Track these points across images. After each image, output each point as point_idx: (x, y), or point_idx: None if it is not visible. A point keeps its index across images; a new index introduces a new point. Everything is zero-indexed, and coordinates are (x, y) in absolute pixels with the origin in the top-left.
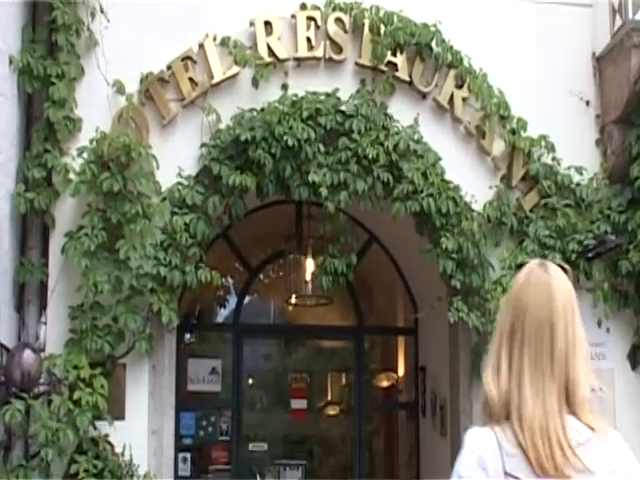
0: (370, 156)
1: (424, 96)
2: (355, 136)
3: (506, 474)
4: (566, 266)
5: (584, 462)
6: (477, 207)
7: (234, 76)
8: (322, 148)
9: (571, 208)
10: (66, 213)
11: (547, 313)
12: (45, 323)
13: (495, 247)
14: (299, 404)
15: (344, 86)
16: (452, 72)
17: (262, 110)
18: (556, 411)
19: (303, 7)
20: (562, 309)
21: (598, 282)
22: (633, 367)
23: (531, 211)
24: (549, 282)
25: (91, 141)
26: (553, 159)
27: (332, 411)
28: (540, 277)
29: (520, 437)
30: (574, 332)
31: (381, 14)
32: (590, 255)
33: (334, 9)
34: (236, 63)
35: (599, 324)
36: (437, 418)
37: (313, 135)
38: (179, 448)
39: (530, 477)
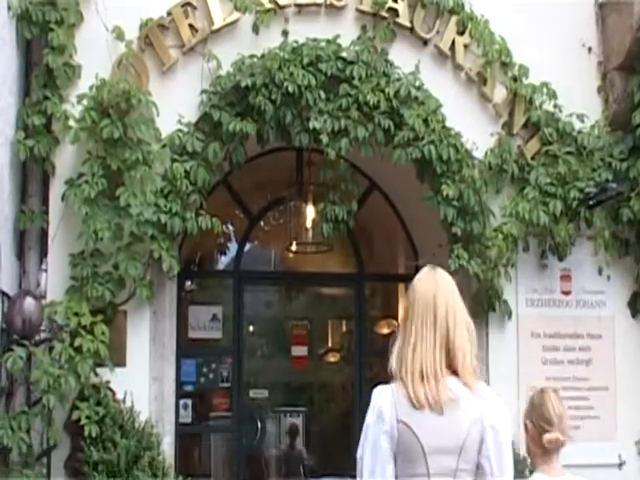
0: (371, 103)
1: (425, 42)
2: (356, 83)
3: (398, 421)
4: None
5: (456, 404)
6: (478, 154)
7: (234, 22)
8: (323, 95)
9: (572, 156)
10: (66, 160)
11: (432, 297)
12: (46, 270)
13: (496, 194)
14: (300, 351)
15: (345, 32)
16: (453, 18)
17: (262, 56)
18: (437, 365)
19: None
20: (443, 294)
21: (599, 230)
22: (633, 315)
23: (532, 158)
24: (434, 276)
25: (91, 88)
26: (555, 106)
27: (332, 358)
28: (428, 274)
29: (409, 388)
30: (454, 311)
31: None
32: (591, 203)
33: None
34: (236, 9)
35: (600, 272)
36: None
37: (314, 82)
38: (180, 395)
39: (412, 416)
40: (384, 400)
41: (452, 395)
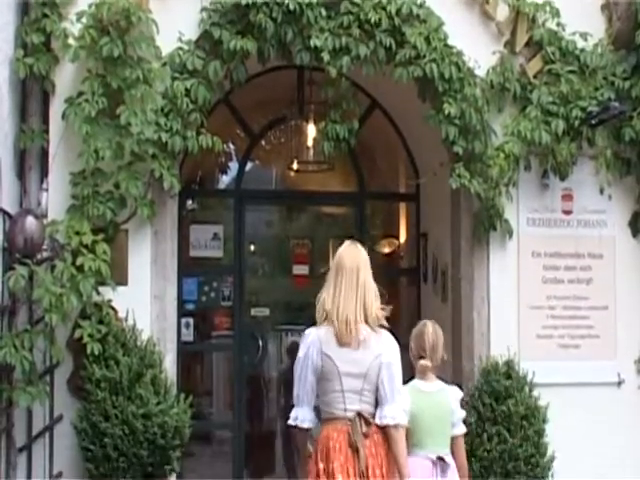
0: (372, 20)
1: None
2: (357, 0)
3: (323, 353)
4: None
5: (365, 343)
6: (480, 73)
7: None
8: (324, 12)
9: (575, 74)
10: (66, 79)
11: (355, 266)
12: (46, 189)
13: (498, 113)
14: (301, 270)
15: None
16: None
17: None
18: (356, 315)
19: None
20: (362, 263)
21: (601, 149)
22: (634, 234)
23: (535, 77)
24: (357, 250)
25: (90, 5)
26: (557, 24)
27: None
28: (351, 247)
29: (334, 328)
30: (366, 278)
31: None
32: (593, 122)
33: None
34: None
35: (601, 191)
36: (438, 284)
37: None
38: (182, 314)
39: (334, 351)
40: (313, 339)
41: (363, 337)
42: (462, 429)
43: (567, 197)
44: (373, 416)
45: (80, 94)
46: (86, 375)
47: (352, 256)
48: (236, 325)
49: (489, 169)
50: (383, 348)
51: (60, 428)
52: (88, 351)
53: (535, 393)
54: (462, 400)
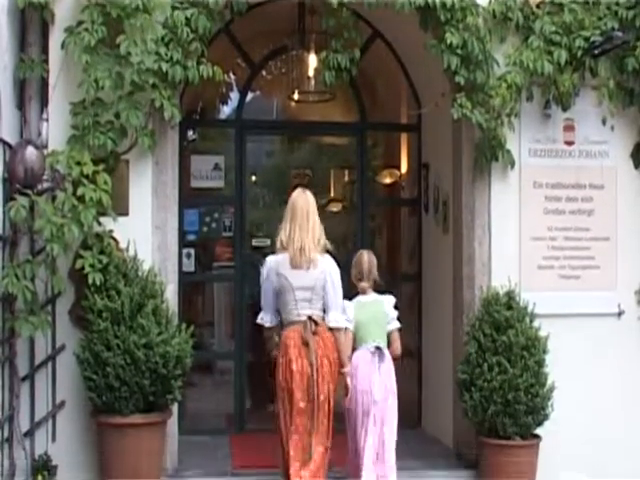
0: None
1: None
2: None
3: (279, 274)
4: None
5: (314, 264)
6: (482, 2)
7: None
8: None
9: (578, 4)
10: (65, 8)
11: (306, 208)
12: (47, 120)
13: (500, 43)
14: None
15: None
16: None
17: None
18: (309, 244)
19: None
20: (312, 207)
21: (603, 79)
22: (636, 166)
23: (537, 7)
24: (306, 194)
25: None
26: None
27: (334, 208)
28: (303, 194)
29: (290, 253)
30: (315, 218)
31: None
32: (596, 52)
33: None
34: None
35: (603, 122)
36: (439, 215)
37: None
38: (183, 244)
39: (287, 271)
40: (271, 264)
41: (312, 260)
42: (394, 325)
43: (569, 128)
44: (323, 319)
45: (79, 23)
46: (88, 305)
47: (303, 201)
48: (237, 256)
49: (491, 99)
50: (327, 267)
51: (62, 358)
52: (89, 281)
53: (536, 323)
54: (395, 305)
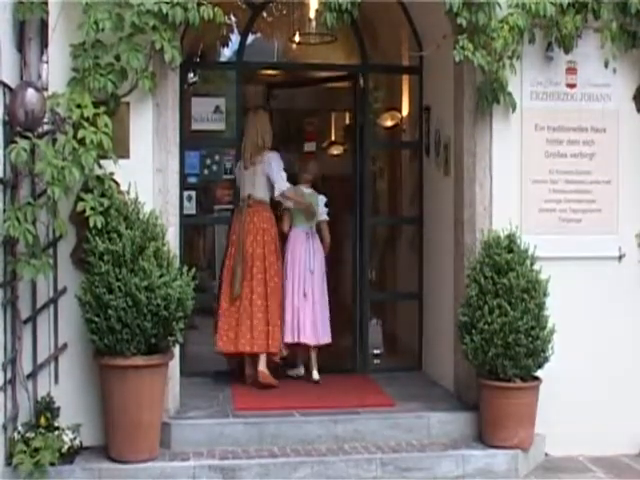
0: None
1: None
2: None
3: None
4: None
5: (260, 161)
6: None
7: None
8: None
9: None
10: None
11: (255, 122)
12: (47, 62)
13: None
14: (310, 147)
15: None
16: None
17: None
18: (260, 146)
19: None
20: (262, 121)
21: (606, 22)
22: (638, 109)
23: None
24: (261, 111)
25: None
26: None
27: (336, 151)
28: (257, 110)
29: (243, 153)
30: (266, 128)
31: None
32: None
33: None
34: None
35: (606, 65)
36: (441, 157)
37: None
38: (184, 187)
39: (242, 169)
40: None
41: (261, 158)
42: (324, 217)
43: (571, 70)
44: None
45: None
46: (89, 248)
47: (259, 118)
48: (238, 198)
49: (493, 41)
50: (268, 157)
51: (64, 300)
52: (90, 224)
53: (536, 266)
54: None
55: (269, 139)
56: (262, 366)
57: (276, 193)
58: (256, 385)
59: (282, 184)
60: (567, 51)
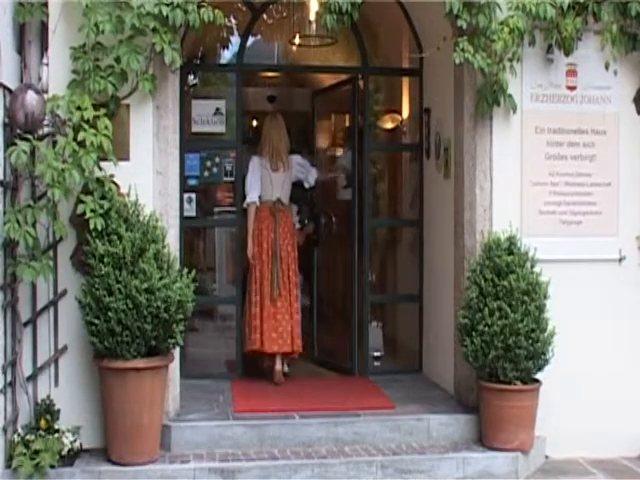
0: None
1: None
2: None
3: (261, 166)
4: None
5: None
6: None
7: None
8: None
9: None
10: None
11: (278, 127)
12: (47, 64)
13: None
14: None
15: None
16: None
17: None
18: (282, 153)
19: None
20: (283, 127)
21: (607, 24)
22: (638, 111)
23: None
24: (278, 117)
25: None
26: None
27: (336, 153)
28: (275, 116)
29: (267, 156)
30: (286, 138)
31: None
32: None
33: None
34: None
35: (606, 67)
36: (441, 160)
37: None
38: (184, 189)
39: (270, 170)
40: (255, 162)
41: (287, 162)
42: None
43: (571, 73)
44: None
45: None
46: (89, 250)
47: (278, 123)
48: (238, 200)
49: (493, 44)
50: (295, 160)
51: (64, 303)
52: (91, 226)
53: (537, 269)
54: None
55: (288, 142)
56: (280, 365)
57: (312, 183)
58: (278, 383)
59: (315, 173)
60: (567, 53)
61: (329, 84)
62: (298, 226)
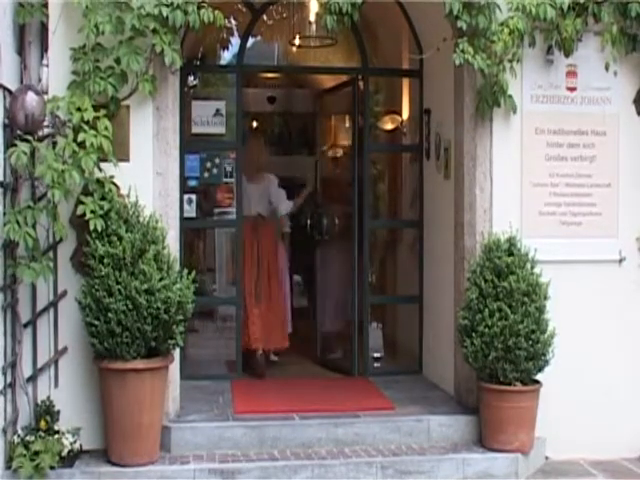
0: None
1: None
2: None
3: (244, 182)
4: None
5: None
6: None
7: None
8: None
9: None
10: None
11: (259, 141)
12: (47, 65)
13: None
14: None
15: None
16: None
17: None
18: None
19: None
20: (262, 141)
21: (607, 25)
22: (638, 112)
23: None
24: (257, 134)
25: None
26: None
27: (336, 154)
28: (255, 133)
29: (247, 169)
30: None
31: None
32: None
33: None
34: None
35: (606, 68)
36: (441, 160)
37: None
38: (184, 190)
39: (248, 183)
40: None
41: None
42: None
43: (571, 74)
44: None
45: None
46: (89, 251)
47: (258, 140)
48: (238, 201)
49: (493, 45)
50: (270, 180)
51: (64, 304)
52: (91, 227)
53: (537, 270)
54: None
55: (267, 159)
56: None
57: (283, 213)
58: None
59: (287, 205)
60: (567, 54)
61: (333, 85)
62: (288, 230)
